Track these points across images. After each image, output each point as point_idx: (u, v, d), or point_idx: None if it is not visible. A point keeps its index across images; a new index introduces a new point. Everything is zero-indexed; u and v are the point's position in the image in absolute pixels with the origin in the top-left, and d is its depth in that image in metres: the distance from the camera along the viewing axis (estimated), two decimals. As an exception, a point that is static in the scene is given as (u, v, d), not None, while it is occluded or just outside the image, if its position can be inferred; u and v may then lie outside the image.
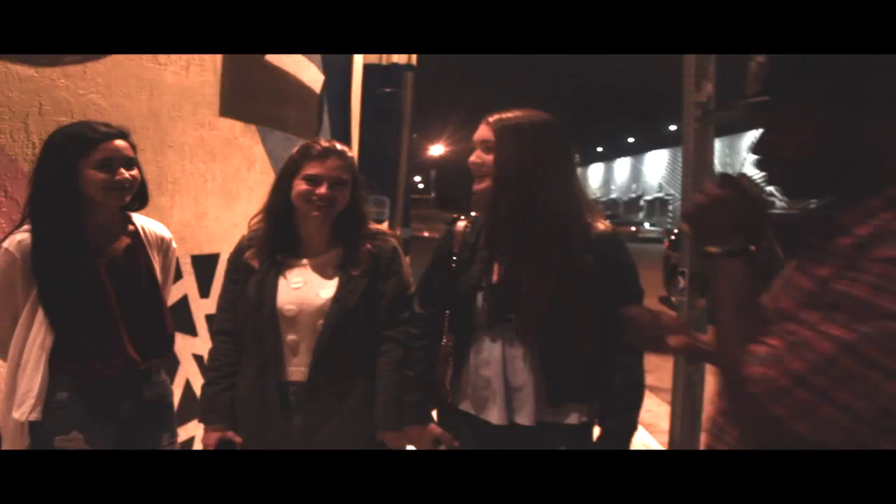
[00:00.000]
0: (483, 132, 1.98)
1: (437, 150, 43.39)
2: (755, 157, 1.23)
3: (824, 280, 1.06)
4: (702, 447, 1.35)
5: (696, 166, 2.76)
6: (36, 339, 2.01)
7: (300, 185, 2.09)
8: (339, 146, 2.15)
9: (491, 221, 1.98)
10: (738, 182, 1.23)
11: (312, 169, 2.09)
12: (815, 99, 1.12)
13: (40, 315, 2.01)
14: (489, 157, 1.95)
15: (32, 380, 2.00)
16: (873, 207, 1.07)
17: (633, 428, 1.93)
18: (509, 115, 1.97)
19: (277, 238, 2.15)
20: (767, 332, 1.09)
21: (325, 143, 2.14)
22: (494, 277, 1.97)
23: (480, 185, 1.97)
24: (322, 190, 2.08)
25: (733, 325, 1.15)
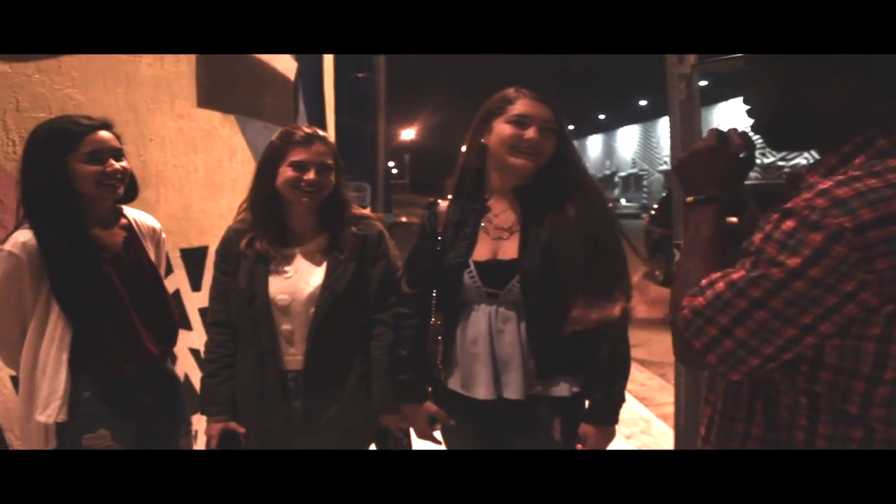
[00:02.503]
0: (539, 110, 1.94)
1: (408, 134, 43.16)
2: (746, 106, 1.27)
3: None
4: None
5: (683, 138, 2.76)
6: (53, 340, 1.97)
7: (287, 172, 2.06)
8: (320, 132, 2.13)
9: (533, 199, 1.98)
10: (720, 135, 1.28)
11: (298, 155, 2.06)
12: (775, 56, 1.18)
13: (54, 315, 1.97)
14: (548, 138, 1.94)
15: (55, 381, 1.96)
16: (831, 165, 1.13)
17: (620, 399, 1.95)
18: (545, 94, 1.97)
19: (264, 227, 2.13)
20: None
21: (307, 129, 2.12)
22: (480, 254, 1.98)
23: (525, 161, 1.93)
24: (310, 176, 2.06)
25: (685, 268, 1.21)
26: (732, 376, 1.13)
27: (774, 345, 1.06)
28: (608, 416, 1.93)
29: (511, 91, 1.99)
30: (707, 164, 1.27)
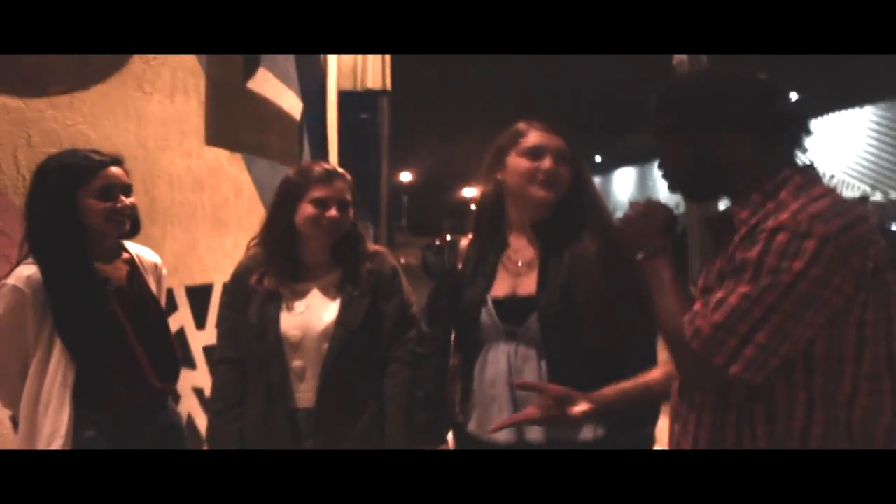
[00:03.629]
0: (553, 140, 1.91)
1: (406, 176, 43.47)
2: (660, 171, 1.53)
3: (731, 257, 1.33)
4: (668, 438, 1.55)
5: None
6: (56, 377, 1.93)
7: (308, 210, 2.05)
8: (339, 169, 2.13)
9: (552, 233, 1.93)
10: (644, 202, 1.57)
11: (320, 192, 2.05)
12: (674, 128, 1.45)
13: (57, 352, 1.94)
14: (564, 167, 1.90)
15: (57, 419, 1.92)
16: (757, 202, 1.37)
17: (649, 443, 1.88)
18: (557, 123, 1.95)
19: (278, 263, 2.10)
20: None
21: (326, 166, 2.11)
22: (498, 291, 1.93)
23: (545, 192, 1.89)
24: (332, 213, 2.04)
25: (664, 306, 1.41)
26: (755, 381, 1.27)
27: (789, 342, 1.25)
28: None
29: (522, 124, 1.96)
30: (643, 225, 1.53)
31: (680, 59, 2.91)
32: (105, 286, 2.03)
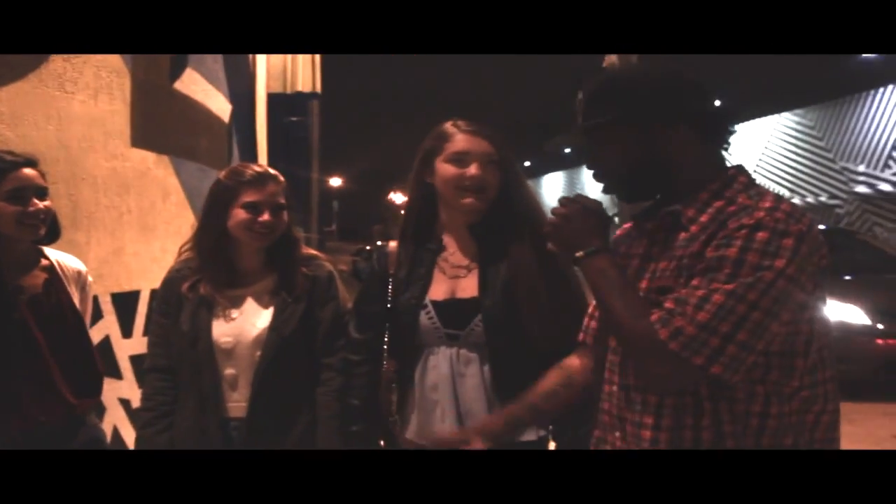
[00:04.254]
0: (478, 145, 1.88)
1: (336, 181, 43.18)
2: (591, 172, 1.49)
3: (694, 255, 1.31)
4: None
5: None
6: None
7: (240, 215, 2.00)
8: (271, 171, 2.08)
9: (488, 235, 1.92)
10: (576, 198, 1.48)
11: (251, 196, 2.00)
12: (618, 123, 1.41)
13: None
14: (491, 172, 1.88)
15: None
16: (704, 199, 1.37)
17: (590, 440, 1.91)
18: (483, 126, 1.92)
19: (212, 269, 2.05)
20: (654, 306, 1.31)
21: (258, 169, 2.06)
22: (437, 294, 1.92)
23: (472, 199, 1.87)
24: (265, 217, 2.00)
25: (622, 306, 1.34)
26: (733, 380, 1.26)
27: (765, 339, 1.25)
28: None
29: (448, 126, 1.93)
30: (580, 223, 1.45)
31: (611, 59, 2.99)
32: (16, 295, 1.94)
